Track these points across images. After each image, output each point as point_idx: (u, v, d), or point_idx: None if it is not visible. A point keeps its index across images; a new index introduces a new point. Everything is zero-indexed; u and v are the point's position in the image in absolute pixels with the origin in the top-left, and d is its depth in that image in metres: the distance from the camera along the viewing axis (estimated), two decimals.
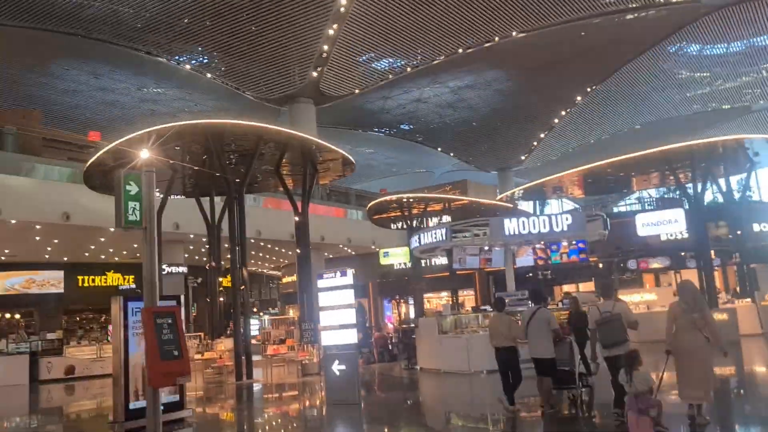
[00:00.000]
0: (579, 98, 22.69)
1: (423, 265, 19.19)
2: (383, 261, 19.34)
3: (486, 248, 14.50)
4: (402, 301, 19.10)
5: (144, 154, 12.13)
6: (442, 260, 17.59)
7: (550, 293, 18.99)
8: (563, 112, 23.86)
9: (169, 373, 3.52)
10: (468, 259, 14.80)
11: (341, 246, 20.84)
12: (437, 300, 20.27)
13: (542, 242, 13.84)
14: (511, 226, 11.61)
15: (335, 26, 16.05)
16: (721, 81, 23.63)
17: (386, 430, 7.09)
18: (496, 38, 18.26)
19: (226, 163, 13.11)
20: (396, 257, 18.88)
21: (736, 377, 9.05)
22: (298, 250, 14.18)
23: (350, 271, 8.15)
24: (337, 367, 7.70)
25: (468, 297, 20.63)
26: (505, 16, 16.72)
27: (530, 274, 19.69)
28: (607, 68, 21.45)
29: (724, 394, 6.81)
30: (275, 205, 19.20)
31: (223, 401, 10.67)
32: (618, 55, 20.73)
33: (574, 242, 14.75)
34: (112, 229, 14.87)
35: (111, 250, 18.94)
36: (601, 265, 21.07)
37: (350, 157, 14.48)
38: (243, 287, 13.20)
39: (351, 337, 7.94)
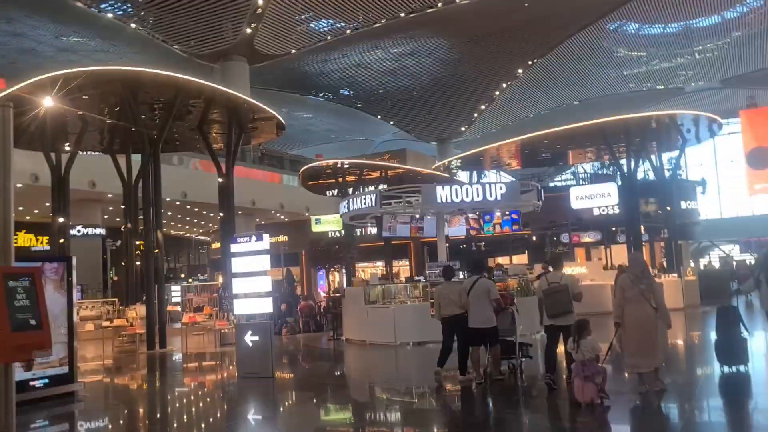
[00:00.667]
0: (520, 71, 23.08)
1: (359, 233, 19.26)
2: (315, 228, 19.26)
3: (417, 217, 14.66)
4: (334, 269, 19.10)
5: (47, 101, 11.40)
6: (376, 229, 17.72)
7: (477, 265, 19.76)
8: (504, 85, 24.30)
9: (24, 345, 3.01)
10: (398, 227, 14.88)
11: (273, 212, 20.54)
12: (372, 270, 20.52)
13: (475, 212, 14.14)
14: (443, 193, 11.55)
15: None
16: (657, 61, 24.87)
17: (295, 405, 6.70)
18: (440, 4, 18.12)
19: (142, 117, 12.55)
20: (328, 224, 18.80)
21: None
22: (221, 213, 13.99)
23: (266, 236, 7.71)
24: (249, 338, 7.38)
25: (403, 267, 20.98)
26: None
27: (464, 246, 20.19)
28: (548, 42, 21.87)
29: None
30: (205, 167, 18.60)
31: (126, 372, 10.33)
32: (559, 30, 21.12)
33: (507, 213, 15.18)
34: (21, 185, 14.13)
35: (21, 208, 17.86)
36: (534, 238, 21.78)
37: (280, 118, 14.20)
38: (158, 251, 12.82)
39: (266, 306, 7.51)
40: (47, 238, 19.24)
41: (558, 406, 5.36)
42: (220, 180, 13.75)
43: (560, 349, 5.62)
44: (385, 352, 9.88)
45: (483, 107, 26.58)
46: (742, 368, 5.54)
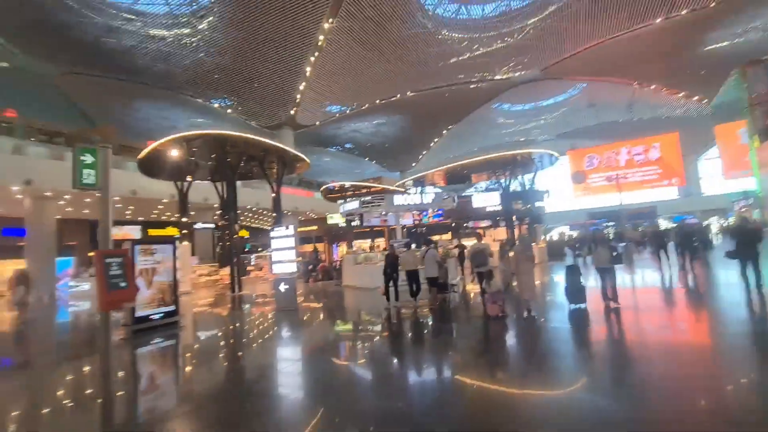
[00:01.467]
0: (444, 132, 38.55)
1: (356, 224, 32.87)
2: (329, 221, 32.70)
3: (383, 213, 23.26)
4: (341, 244, 32.33)
5: (174, 152, 17.50)
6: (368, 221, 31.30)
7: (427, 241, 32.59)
8: (436, 139, 39.58)
9: (116, 300, 4.17)
10: (372, 219, 24.45)
11: (308, 213, 33.81)
12: (365, 244, 33.73)
13: (417, 211, 25.00)
14: (398, 199, 20.67)
15: (303, 84, 27.20)
16: (520, 125, 40.83)
17: (307, 324, 9.10)
18: (398, 95, 32.80)
19: (227, 160, 17.66)
20: (336, 219, 32.08)
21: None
22: (274, 214, 19.45)
23: (292, 226, 10.93)
24: (282, 287, 10.43)
25: (381, 242, 34.53)
26: (404, 82, 30.58)
27: (413, 229, 32.52)
28: (459, 115, 37.30)
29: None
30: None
31: (219, 304, 13.70)
32: (466, 107, 36.33)
33: (436, 210, 27.43)
34: (166, 200, 25.15)
35: (168, 214, 29.92)
36: (454, 225, 35.79)
37: (307, 160, 20.14)
38: (236, 236, 17.82)
39: (291, 268, 10.62)
40: (178, 230, 31.63)
41: (476, 317, 8.16)
42: (273, 195, 19.37)
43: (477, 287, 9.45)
44: (365, 292, 13.39)
45: (424, 152, 41.59)
46: (582, 306, 7.79)
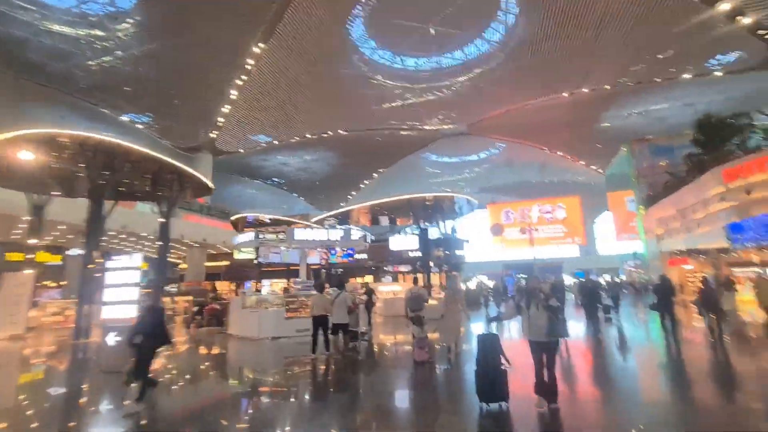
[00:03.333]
0: (375, 175, 38.98)
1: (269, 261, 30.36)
2: (236, 255, 29.75)
3: (284, 248, 19.10)
4: (242, 283, 29.22)
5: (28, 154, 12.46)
6: (283, 258, 29.13)
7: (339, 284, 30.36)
8: (367, 181, 39.84)
9: None
10: (271, 255, 21.04)
11: (218, 245, 30.80)
12: (279, 284, 31.14)
13: (324, 247, 21.45)
14: (301, 234, 15.44)
15: (228, 107, 25.66)
16: (446, 176, 42.98)
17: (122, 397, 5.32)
18: (329, 132, 32.50)
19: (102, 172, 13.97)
20: (246, 254, 29.29)
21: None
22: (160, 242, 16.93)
23: (138, 256, 8.31)
24: (113, 338, 7.30)
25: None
26: (336, 120, 30.58)
27: (324, 270, 28.95)
28: (390, 159, 38.13)
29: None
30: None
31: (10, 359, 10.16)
32: (397, 152, 37.31)
33: (346, 249, 25.64)
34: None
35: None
36: (374, 267, 34.80)
37: (207, 182, 16.94)
38: (91, 265, 13.71)
39: (129, 312, 7.52)
40: None
41: (401, 363, 7.93)
42: (161, 220, 16.44)
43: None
44: (249, 342, 10.76)
45: (354, 193, 41.59)
46: (502, 406, 4.50)
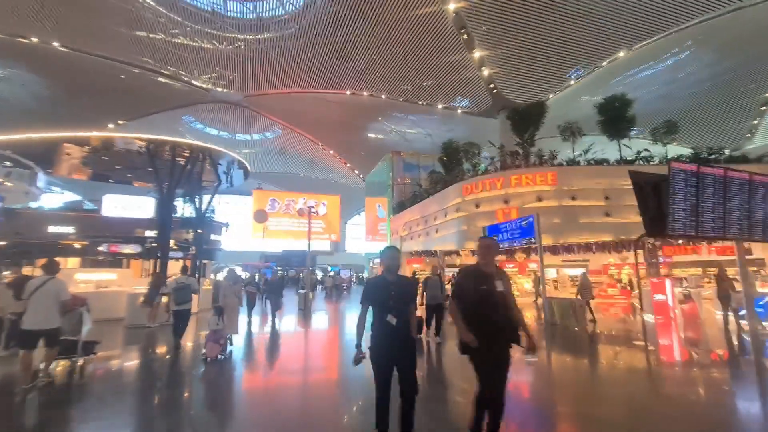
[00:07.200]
0: (111, 126, 29.59)
1: None
2: None
3: None
4: None
5: None
6: None
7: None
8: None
9: None
10: None
11: None
12: None
13: None
14: None
15: None
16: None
17: None
18: (31, 38, 22.09)
19: None
20: None
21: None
22: None
23: None
24: None
25: None
26: (51, 22, 21.05)
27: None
28: (135, 110, 29.58)
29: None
30: None
31: None
32: (146, 103, 29.16)
33: None
34: None
35: None
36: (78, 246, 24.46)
37: None
38: None
39: None
40: None
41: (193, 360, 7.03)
42: None
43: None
44: None
45: None
46: None
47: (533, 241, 10.98)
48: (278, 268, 37.23)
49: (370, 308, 3.45)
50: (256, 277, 26.78)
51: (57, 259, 5.98)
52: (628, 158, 16.21)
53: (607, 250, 15.65)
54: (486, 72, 22.74)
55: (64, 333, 5.94)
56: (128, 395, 5.29)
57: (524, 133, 17.72)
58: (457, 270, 18.64)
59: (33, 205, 21.97)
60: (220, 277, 32.45)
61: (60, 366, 6.48)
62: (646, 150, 16.44)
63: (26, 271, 14.41)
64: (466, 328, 3.13)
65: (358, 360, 3.37)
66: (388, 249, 3.54)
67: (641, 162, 15.94)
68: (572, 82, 24.00)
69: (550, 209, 15.17)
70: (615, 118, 16.52)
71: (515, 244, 11.75)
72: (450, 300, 3.44)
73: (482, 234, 13.01)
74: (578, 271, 17.15)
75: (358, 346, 3.40)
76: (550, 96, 24.36)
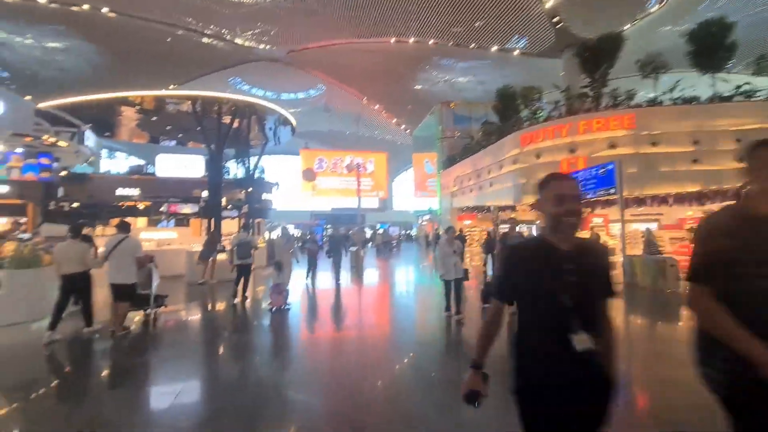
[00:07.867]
0: (164, 91, 30.29)
1: None
2: None
3: None
4: None
5: None
6: None
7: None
8: None
9: None
10: None
11: None
12: None
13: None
14: None
15: None
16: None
17: None
18: (83, 5, 22.56)
19: None
20: None
21: None
22: None
23: None
24: None
25: None
26: None
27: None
28: (185, 74, 30.09)
29: None
30: None
31: None
32: (194, 66, 29.55)
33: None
34: None
35: None
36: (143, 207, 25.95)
37: None
38: None
39: None
40: None
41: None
42: None
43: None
44: None
45: None
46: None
47: (611, 191, 9.71)
48: (327, 225, 37.86)
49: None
50: (317, 234, 26.63)
51: (127, 219, 6.44)
52: (725, 94, 13.78)
53: (687, 201, 13.80)
54: (549, 3, 20.09)
55: (140, 288, 6.38)
56: (203, 342, 5.89)
57: (595, 71, 15.57)
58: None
59: (103, 169, 23.47)
60: (274, 235, 33.61)
61: (136, 317, 7.00)
62: (747, 83, 13.86)
63: (98, 231, 15.41)
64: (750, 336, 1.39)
65: (472, 396, 1.67)
66: (558, 178, 1.66)
67: (741, 98, 13.49)
68: (652, 9, 20.65)
69: (624, 158, 13.44)
70: (710, 46, 13.92)
71: (590, 196, 10.50)
72: (691, 280, 1.58)
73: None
74: (647, 226, 15.46)
75: (478, 367, 1.70)
76: (625, 29, 21.22)
